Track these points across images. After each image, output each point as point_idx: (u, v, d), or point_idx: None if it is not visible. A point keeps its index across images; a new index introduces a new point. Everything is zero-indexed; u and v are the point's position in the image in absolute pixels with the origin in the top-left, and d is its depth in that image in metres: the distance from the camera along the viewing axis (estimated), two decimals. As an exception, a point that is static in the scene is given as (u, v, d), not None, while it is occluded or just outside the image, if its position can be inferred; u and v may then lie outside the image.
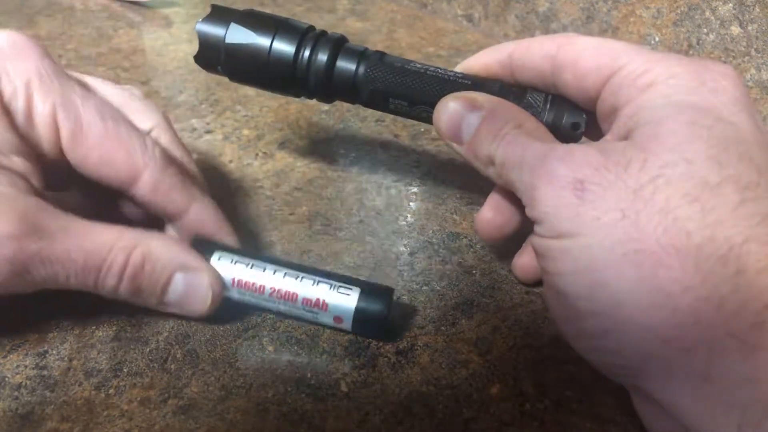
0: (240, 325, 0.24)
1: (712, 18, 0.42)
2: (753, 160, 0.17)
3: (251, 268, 0.23)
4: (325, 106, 0.41)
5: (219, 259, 0.23)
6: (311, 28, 0.27)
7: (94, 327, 0.23)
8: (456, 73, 0.26)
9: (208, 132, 0.37)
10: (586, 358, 0.19)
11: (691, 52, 0.43)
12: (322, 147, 0.37)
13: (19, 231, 0.19)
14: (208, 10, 0.27)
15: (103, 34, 0.51)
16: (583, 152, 0.19)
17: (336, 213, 0.31)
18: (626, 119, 0.20)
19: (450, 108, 0.23)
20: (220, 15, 0.27)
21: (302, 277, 0.23)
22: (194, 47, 0.28)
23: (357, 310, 0.22)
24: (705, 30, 0.42)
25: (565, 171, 0.18)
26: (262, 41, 0.26)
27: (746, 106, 0.18)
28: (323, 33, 0.27)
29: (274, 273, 0.23)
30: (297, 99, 0.42)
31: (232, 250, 0.24)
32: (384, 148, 0.37)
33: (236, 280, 0.23)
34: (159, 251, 0.22)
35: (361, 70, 0.26)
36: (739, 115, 0.18)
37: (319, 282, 0.23)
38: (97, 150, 0.22)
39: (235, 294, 0.23)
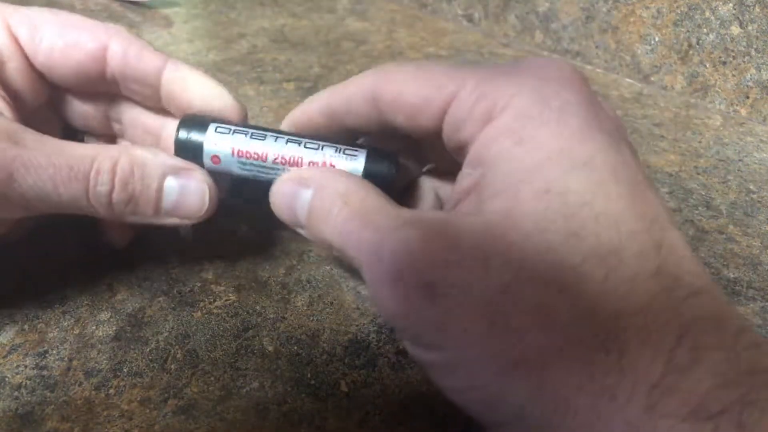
0: (240, 325, 0.24)
1: (712, 18, 0.42)
2: (608, 229, 0.15)
3: (251, 137, 0.22)
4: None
5: (216, 130, 0.22)
6: None
7: (94, 327, 0.23)
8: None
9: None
10: None
11: (691, 52, 0.43)
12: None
13: None
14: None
15: (103, 34, 0.51)
16: (424, 241, 0.16)
17: (336, 213, 0.31)
18: (474, 165, 0.18)
19: (282, 190, 0.21)
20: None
21: (305, 143, 0.22)
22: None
23: (366, 171, 0.21)
24: (705, 30, 0.42)
25: (408, 273, 0.15)
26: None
27: (595, 124, 0.17)
28: None
29: (275, 140, 0.22)
30: (298, 99, 0.42)
31: (228, 121, 0.23)
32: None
33: (236, 150, 0.22)
34: (145, 156, 0.21)
35: None
36: (592, 148, 0.16)
37: (323, 147, 0.22)
38: (60, 38, 0.23)
39: (236, 167, 0.22)
